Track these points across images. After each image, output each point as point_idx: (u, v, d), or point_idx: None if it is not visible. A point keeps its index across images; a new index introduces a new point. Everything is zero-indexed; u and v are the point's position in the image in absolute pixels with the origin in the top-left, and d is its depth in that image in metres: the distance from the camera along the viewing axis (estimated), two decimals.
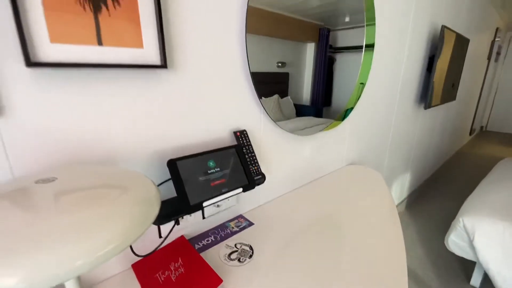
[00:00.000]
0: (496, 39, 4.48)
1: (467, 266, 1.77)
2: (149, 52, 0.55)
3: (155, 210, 0.38)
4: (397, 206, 2.39)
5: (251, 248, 0.74)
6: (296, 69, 1.12)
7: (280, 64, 1.04)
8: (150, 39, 0.54)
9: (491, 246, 1.37)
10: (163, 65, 0.57)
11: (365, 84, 1.33)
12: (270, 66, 0.99)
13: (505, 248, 1.34)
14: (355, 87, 1.31)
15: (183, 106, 0.66)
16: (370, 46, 1.30)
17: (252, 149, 0.79)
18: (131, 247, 0.61)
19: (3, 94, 0.43)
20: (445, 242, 1.60)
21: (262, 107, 0.86)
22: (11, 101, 0.44)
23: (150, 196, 0.40)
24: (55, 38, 0.44)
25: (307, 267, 0.66)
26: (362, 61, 1.28)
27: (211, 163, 0.67)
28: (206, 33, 0.66)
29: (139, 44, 0.54)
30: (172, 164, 0.61)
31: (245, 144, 0.78)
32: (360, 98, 1.34)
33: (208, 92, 0.70)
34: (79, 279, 0.39)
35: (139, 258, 0.65)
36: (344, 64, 1.29)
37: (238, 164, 0.73)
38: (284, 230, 0.82)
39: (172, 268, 0.64)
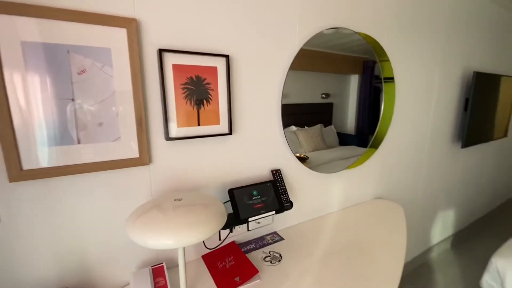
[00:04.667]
0: None
1: None
2: (223, 127, 0.95)
3: (225, 219, 0.74)
4: (439, 243, 2.37)
5: (280, 255, 1.04)
6: (340, 99, 1.28)
7: (324, 96, 1.26)
8: (223, 119, 0.95)
9: None
10: (230, 133, 0.96)
11: (390, 117, 1.52)
12: (314, 98, 1.17)
13: None
14: (381, 117, 1.48)
15: (238, 155, 1.04)
16: (390, 79, 1.46)
17: (284, 184, 1.11)
18: (204, 242, 0.98)
19: (154, 153, 0.86)
20: (480, 283, 1.61)
21: (294, 156, 1.19)
22: (156, 156, 0.87)
23: (223, 211, 0.76)
24: (179, 125, 0.87)
25: (320, 274, 0.94)
26: (384, 93, 1.44)
27: (254, 192, 1.02)
28: (255, 113, 1.04)
29: (218, 123, 0.94)
30: (231, 192, 0.98)
31: (279, 179, 1.12)
32: (386, 136, 1.56)
33: (254, 144, 1.07)
34: (184, 249, 0.76)
35: (207, 251, 1.01)
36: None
37: (273, 194, 1.06)
38: (306, 246, 1.10)
39: (227, 260, 0.98)
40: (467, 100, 2.04)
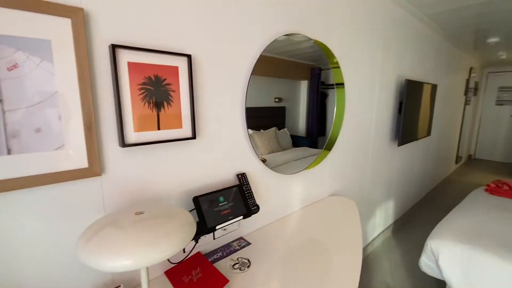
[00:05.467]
0: (472, 76, 4.99)
1: (442, 286, 1.98)
2: (186, 130, 0.89)
3: (194, 230, 0.69)
4: (383, 231, 2.64)
5: (249, 261, 1.02)
6: (292, 103, 1.33)
7: (277, 100, 1.30)
8: (186, 123, 0.89)
9: (452, 266, 1.62)
10: (193, 137, 0.91)
11: (341, 120, 1.64)
12: (268, 101, 1.20)
13: (463, 268, 1.59)
14: (334, 121, 1.59)
15: (203, 160, 0.99)
16: (341, 85, 1.57)
17: (250, 187, 1.10)
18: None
19: (106, 162, 0.76)
20: (419, 264, 1.84)
21: (258, 157, 1.18)
22: (109, 165, 0.77)
23: (191, 221, 0.71)
24: (136, 129, 0.78)
25: (289, 275, 0.94)
26: (336, 98, 1.54)
27: (221, 198, 0.98)
28: (219, 116, 1.01)
29: (180, 126, 0.88)
30: (196, 200, 0.93)
31: (245, 183, 1.10)
32: (338, 137, 1.67)
33: (219, 149, 1.04)
34: (147, 269, 0.68)
35: (171, 266, 0.93)
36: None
37: (239, 198, 1.03)
38: (273, 248, 1.10)
39: (193, 274, 0.92)
40: (401, 103, 2.33)
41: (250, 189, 1.10)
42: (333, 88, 1.56)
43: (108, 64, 0.72)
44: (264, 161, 1.23)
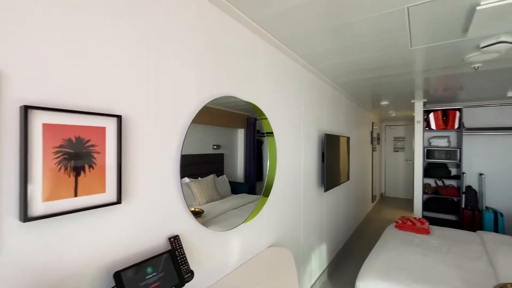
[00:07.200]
0: (374, 128, 6.14)
1: None
2: (109, 195, 0.81)
3: None
4: (319, 276, 2.70)
5: None
6: (230, 150, 1.35)
7: (215, 146, 1.29)
8: (110, 186, 0.81)
9: None
10: (118, 201, 0.83)
11: (275, 166, 1.73)
12: (206, 148, 1.19)
13: None
14: (268, 167, 1.68)
15: (129, 226, 0.89)
16: (271, 133, 1.71)
17: (183, 252, 1.02)
18: None
19: None
20: None
21: (193, 216, 1.13)
22: (1, 246, 0.62)
23: None
24: (46, 198, 0.67)
25: None
26: (268, 146, 1.64)
27: (149, 269, 0.88)
28: (150, 175, 0.96)
29: (103, 190, 0.80)
30: (117, 275, 0.80)
31: (177, 247, 1.02)
32: (273, 185, 1.75)
33: (149, 210, 0.96)
34: None
35: None
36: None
37: (171, 266, 0.94)
38: None
39: None
40: (323, 154, 2.65)
41: (184, 254, 1.02)
42: (268, 136, 1.69)
43: (17, 126, 0.64)
44: (201, 212, 1.18)
